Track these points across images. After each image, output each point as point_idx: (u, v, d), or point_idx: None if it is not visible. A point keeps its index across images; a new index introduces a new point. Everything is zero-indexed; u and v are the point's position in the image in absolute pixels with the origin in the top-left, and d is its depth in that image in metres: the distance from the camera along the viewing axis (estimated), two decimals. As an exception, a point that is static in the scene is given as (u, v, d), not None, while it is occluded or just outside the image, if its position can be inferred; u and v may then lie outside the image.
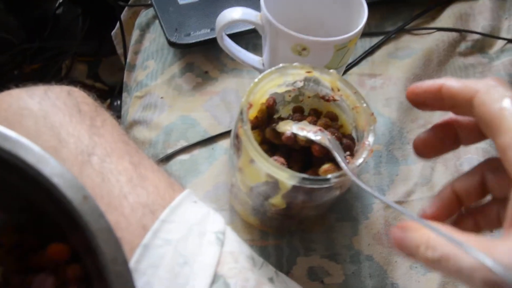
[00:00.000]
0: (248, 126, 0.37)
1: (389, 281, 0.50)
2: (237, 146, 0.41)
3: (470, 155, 0.57)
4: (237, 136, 0.40)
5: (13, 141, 0.35)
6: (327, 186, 0.37)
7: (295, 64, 0.41)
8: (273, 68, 0.40)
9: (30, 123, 0.40)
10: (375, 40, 0.68)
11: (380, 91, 0.62)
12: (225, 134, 0.56)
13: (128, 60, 0.70)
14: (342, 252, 0.50)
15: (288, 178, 0.36)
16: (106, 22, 1.28)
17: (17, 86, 0.45)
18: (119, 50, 0.82)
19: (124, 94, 0.71)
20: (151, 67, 0.64)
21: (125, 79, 0.71)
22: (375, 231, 0.52)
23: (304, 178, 0.35)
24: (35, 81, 0.46)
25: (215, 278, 0.36)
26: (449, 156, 0.58)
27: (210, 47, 0.63)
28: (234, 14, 0.48)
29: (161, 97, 0.60)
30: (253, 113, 0.41)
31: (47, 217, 0.38)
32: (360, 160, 0.37)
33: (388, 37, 0.68)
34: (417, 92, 0.31)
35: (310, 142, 0.39)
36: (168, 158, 0.55)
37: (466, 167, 0.57)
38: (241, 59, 0.53)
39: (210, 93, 0.60)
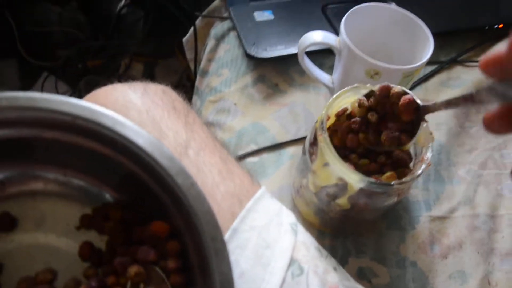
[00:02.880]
0: (326, 134, 0.44)
1: (430, 286, 0.56)
2: (311, 152, 0.47)
3: (511, 182, 0.63)
4: (312, 143, 0.47)
5: (133, 129, 0.42)
6: (389, 190, 0.44)
7: (368, 85, 0.47)
8: (349, 87, 0.47)
9: (135, 115, 0.47)
10: (429, 68, 0.74)
11: (432, 116, 0.68)
12: (292, 142, 0.63)
13: (202, 66, 0.78)
14: (389, 256, 0.56)
15: (358, 180, 0.42)
16: (166, 27, 1.37)
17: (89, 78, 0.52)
18: (189, 56, 0.90)
19: (195, 97, 0.78)
20: (225, 75, 0.72)
21: (197, 83, 0.78)
22: (420, 241, 0.58)
23: (371, 182, 0.42)
24: (96, 76, 0.53)
25: (291, 262, 0.43)
26: (491, 180, 0.63)
27: (281, 62, 0.70)
28: (316, 37, 0.55)
29: (235, 104, 0.67)
30: (329, 124, 0.48)
31: (151, 198, 0.45)
32: (420, 171, 0.44)
33: (442, 67, 0.74)
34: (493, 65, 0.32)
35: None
36: (239, 159, 0.62)
37: (506, 192, 0.62)
38: (315, 76, 0.60)
39: (279, 104, 0.67)
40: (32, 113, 0.42)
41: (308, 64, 0.59)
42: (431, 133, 0.46)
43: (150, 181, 0.43)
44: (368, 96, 0.47)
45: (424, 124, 0.46)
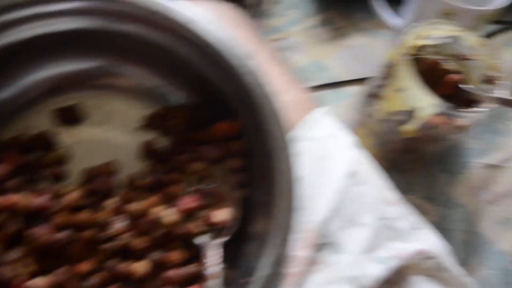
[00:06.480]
0: (405, 57, 0.45)
1: (476, 229, 0.57)
2: (383, 80, 0.49)
3: None
4: (387, 68, 0.48)
5: (209, 28, 0.43)
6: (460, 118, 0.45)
7: (445, 21, 0.49)
8: (427, 21, 0.49)
9: None
10: (494, 27, 0.74)
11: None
12: (353, 82, 0.65)
13: (264, 7, 0.79)
14: (439, 197, 0.58)
15: (433, 104, 0.44)
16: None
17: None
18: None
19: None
20: (290, 16, 0.73)
21: (258, 24, 0.80)
22: (470, 185, 0.59)
23: (448, 107, 0.43)
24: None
25: (351, 173, 0.45)
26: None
27: (347, 6, 0.72)
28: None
29: (298, 42, 0.69)
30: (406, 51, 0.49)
31: (219, 99, 0.46)
32: (490, 106, 0.45)
33: (507, 27, 0.74)
34: None
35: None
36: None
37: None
38: (384, 18, 0.62)
39: (343, 46, 0.69)
40: (112, 5, 0.44)
41: (378, 4, 0.60)
42: (503, 73, 0.48)
43: (221, 80, 0.45)
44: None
45: (498, 64, 0.48)
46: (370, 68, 0.66)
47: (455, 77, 0.48)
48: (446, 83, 0.48)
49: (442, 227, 0.56)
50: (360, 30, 0.70)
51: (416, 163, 0.58)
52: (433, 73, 0.49)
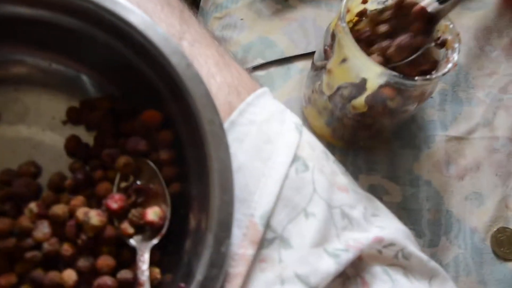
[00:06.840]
0: (346, 24, 0.40)
1: (444, 207, 0.53)
2: (328, 51, 0.44)
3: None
4: (329, 45, 0.44)
5: (123, 6, 0.39)
6: (411, 88, 0.41)
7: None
8: None
9: None
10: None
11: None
12: (301, 56, 0.60)
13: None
14: (402, 175, 0.54)
15: (379, 74, 0.39)
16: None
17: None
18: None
19: (199, 18, 0.74)
20: (232, -9, 0.68)
21: (201, 4, 0.74)
22: (435, 160, 0.55)
23: (394, 75, 0.39)
24: None
25: (295, 158, 0.40)
26: (511, 104, 0.60)
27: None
28: None
29: (241, 19, 0.64)
30: (348, 19, 0.44)
31: (143, 87, 0.41)
32: (446, 69, 0.40)
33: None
34: None
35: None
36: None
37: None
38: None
39: (288, 19, 0.63)
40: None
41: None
42: (458, 34, 0.43)
43: (143, 64, 0.41)
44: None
45: (450, 25, 0.44)
46: (319, 41, 0.61)
47: (421, 4, 0.43)
48: (416, 15, 0.43)
49: (407, 208, 0.52)
50: (306, 1, 0.65)
51: (374, 140, 0.54)
52: (402, 14, 0.45)
